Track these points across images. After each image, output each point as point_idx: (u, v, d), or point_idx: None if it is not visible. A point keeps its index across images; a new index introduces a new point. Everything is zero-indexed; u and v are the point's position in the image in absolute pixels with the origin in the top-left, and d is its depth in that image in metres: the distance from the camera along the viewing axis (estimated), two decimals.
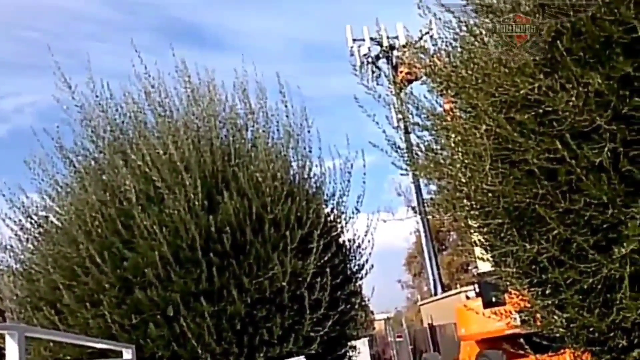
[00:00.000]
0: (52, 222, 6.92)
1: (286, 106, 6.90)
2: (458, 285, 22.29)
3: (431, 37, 4.86)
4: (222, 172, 6.44)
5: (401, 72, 19.05)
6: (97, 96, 6.89)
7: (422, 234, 25.12)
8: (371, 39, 24.15)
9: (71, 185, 6.96)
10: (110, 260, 6.11)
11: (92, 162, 6.93)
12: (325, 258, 6.38)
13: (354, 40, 24.14)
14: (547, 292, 4.49)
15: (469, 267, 28.11)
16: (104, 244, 6.20)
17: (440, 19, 4.45)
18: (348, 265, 7.24)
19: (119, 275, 6.10)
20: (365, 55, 23.92)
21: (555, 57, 3.76)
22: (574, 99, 3.62)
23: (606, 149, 3.65)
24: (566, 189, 3.89)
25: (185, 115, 6.84)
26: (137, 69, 6.77)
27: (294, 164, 7.06)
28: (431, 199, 6.59)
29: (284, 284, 6.10)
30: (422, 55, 5.01)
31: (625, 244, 3.67)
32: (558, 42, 3.72)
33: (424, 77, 5.15)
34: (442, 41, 4.72)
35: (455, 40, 4.60)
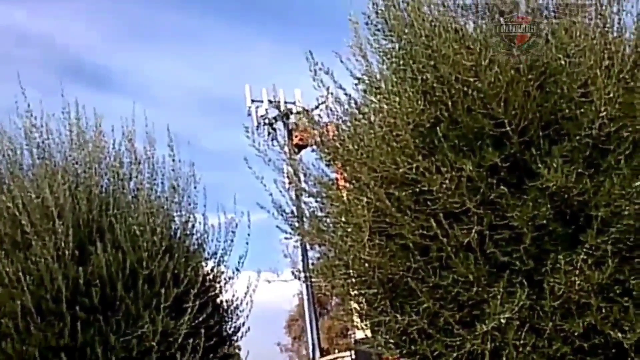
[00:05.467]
0: None
1: (173, 160, 6.77)
2: (337, 351, 22.32)
3: (327, 107, 5.04)
4: (97, 222, 6.16)
5: (296, 136, 19.44)
6: None
7: (305, 297, 25.10)
8: (269, 101, 24.55)
9: None
10: None
11: None
12: (200, 318, 6.18)
13: (253, 100, 24.42)
14: None
15: (349, 333, 28.31)
16: None
17: (332, 93, 4.66)
18: (224, 327, 7.05)
19: None
20: (262, 116, 24.23)
21: (433, 141, 4.06)
22: (447, 181, 3.91)
23: (474, 230, 3.94)
24: (437, 265, 4.12)
25: (65, 160, 6.53)
26: (19, 105, 6.40)
27: (177, 219, 6.87)
28: (312, 263, 6.68)
29: (154, 343, 5.84)
30: (313, 125, 5.18)
31: (487, 321, 3.92)
32: (437, 128, 4.02)
33: (314, 146, 5.30)
34: (333, 114, 4.92)
35: (345, 114, 4.82)
